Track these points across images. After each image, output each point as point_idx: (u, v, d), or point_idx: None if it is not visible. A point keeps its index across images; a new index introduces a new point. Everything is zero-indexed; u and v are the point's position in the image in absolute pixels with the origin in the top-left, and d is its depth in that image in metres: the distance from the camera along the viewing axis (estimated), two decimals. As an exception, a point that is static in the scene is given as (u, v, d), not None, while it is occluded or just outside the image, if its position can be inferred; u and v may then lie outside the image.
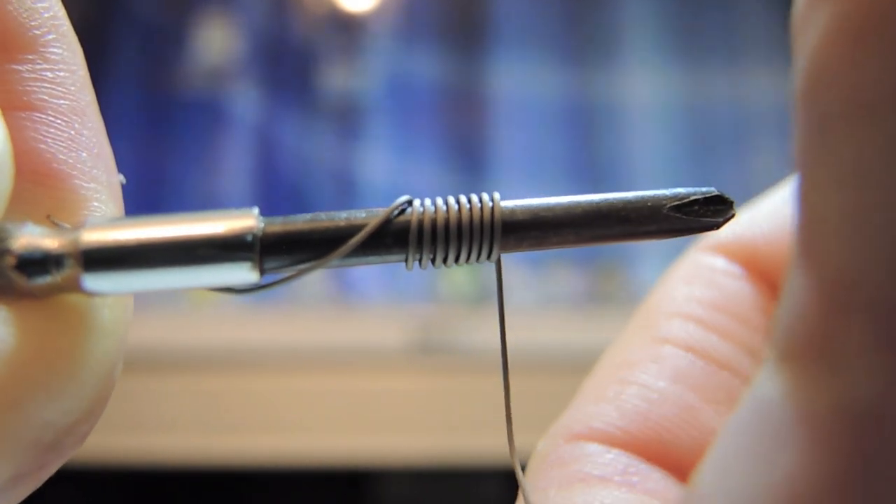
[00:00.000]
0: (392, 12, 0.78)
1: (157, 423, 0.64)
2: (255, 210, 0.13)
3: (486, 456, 0.64)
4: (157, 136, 0.73)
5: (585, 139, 0.75)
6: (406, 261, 0.14)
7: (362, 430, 0.65)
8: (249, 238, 0.13)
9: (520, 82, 0.76)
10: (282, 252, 0.13)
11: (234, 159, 0.73)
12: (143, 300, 0.67)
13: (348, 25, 0.78)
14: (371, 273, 0.70)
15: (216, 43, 0.76)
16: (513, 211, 0.14)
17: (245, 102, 0.74)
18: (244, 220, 0.13)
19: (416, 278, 0.70)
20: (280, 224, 0.13)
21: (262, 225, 0.13)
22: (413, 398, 0.65)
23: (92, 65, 0.15)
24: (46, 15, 0.14)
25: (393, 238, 0.13)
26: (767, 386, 0.10)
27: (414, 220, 0.13)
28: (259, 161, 0.74)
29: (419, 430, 0.64)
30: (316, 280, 0.69)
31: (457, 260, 0.14)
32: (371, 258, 0.13)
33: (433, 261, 0.14)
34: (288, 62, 0.76)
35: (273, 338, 0.66)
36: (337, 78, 0.76)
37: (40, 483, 0.13)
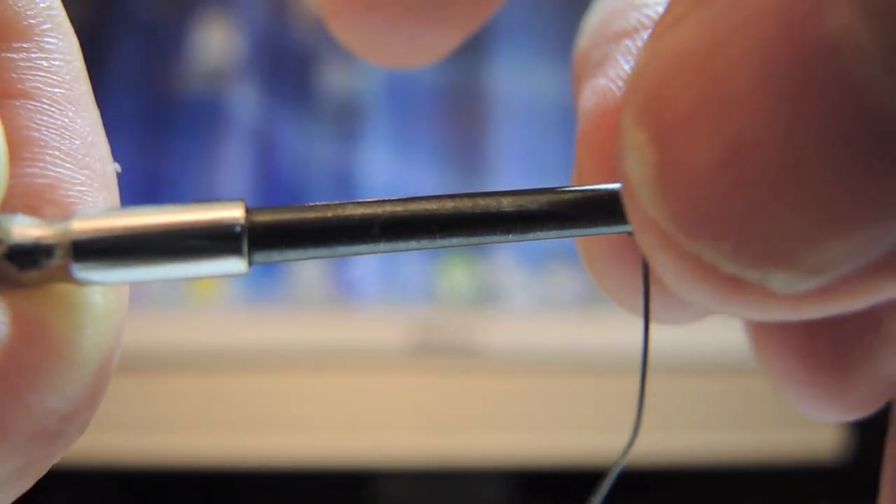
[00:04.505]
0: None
1: (156, 423, 0.64)
2: (244, 201, 0.13)
3: (486, 456, 0.64)
4: (156, 135, 0.73)
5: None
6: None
7: (362, 431, 0.65)
8: (238, 228, 0.13)
9: (520, 83, 0.76)
10: (270, 242, 0.13)
11: (234, 159, 0.73)
12: (142, 300, 0.66)
13: (348, 25, 0.77)
14: (371, 273, 0.70)
15: (216, 43, 0.76)
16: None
17: (244, 102, 0.74)
18: (232, 211, 0.13)
19: (416, 278, 0.70)
20: (268, 214, 0.13)
21: (250, 216, 0.13)
22: (413, 398, 0.65)
23: (91, 65, 0.15)
24: (42, 5, 0.14)
25: (380, 229, 0.14)
26: None
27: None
28: (258, 161, 0.74)
29: (419, 431, 0.64)
30: (315, 280, 0.69)
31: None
32: (360, 248, 0.14)
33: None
34: (288, 62, 0.76)
35: (272, 338, 0.66)
36: (336, 78, 0.76)
37: (45, 471, 0.13)
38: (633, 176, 0.12)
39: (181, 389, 0.64)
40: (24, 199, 0.13)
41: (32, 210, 0.13)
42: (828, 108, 0.10)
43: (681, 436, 0.63)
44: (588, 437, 0.63)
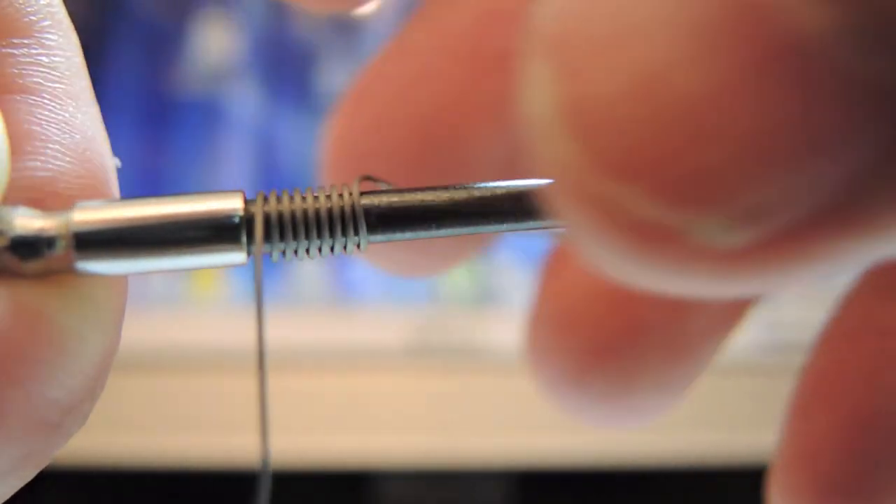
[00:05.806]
0: (392, 12, 0.78)
1: (155, 423, 0.64)
2: (242, 192, 0.14)
3: (486, 456, 0.64)
4: (157, 136, 0.73)
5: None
6: (271, 254, 0.14)
7: (362, 430, 0.65)
8: (236, 219, 0.13)
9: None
10: (268, 233, 0.13)
11: (234, 159, 0.73)
12: (142, 300, 0.66)
13: (348, 25, 0.78)
14: (371, 273, 0.70)
15: (216, 43, 0.76)
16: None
17: (245, 102, 0.74)
18: (231, 202, 0.13)
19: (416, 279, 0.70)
20: (266, 205, 0.14)
21: (248, 206, 0.13)
22: (413, 398, 0.65)
23: (92, 65, 0.15)
24: (43, 2, 0.15)
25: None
26: None
27: (273, 210, 0.14)
28: (259, 161, 0.74)
29: (419, 431, 0.64)
30: (315, 280, 0.69)
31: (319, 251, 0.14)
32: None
33: (295, 252, 0.14)
34: (288, 62, 0.76)
35: (273, 338, 0.65)
36: (337, 78, 0.76)
37: (46, 463, 0.13)
38: (536, 115, 0.10)
39: (181, 389, 0.64)
40: (25, 191, 0.13)
41: (34, 202, 0.13)
42: (750, 26, 0.09)
43: (680, 436, 0.63)
44: (588, 436, 0.63)
